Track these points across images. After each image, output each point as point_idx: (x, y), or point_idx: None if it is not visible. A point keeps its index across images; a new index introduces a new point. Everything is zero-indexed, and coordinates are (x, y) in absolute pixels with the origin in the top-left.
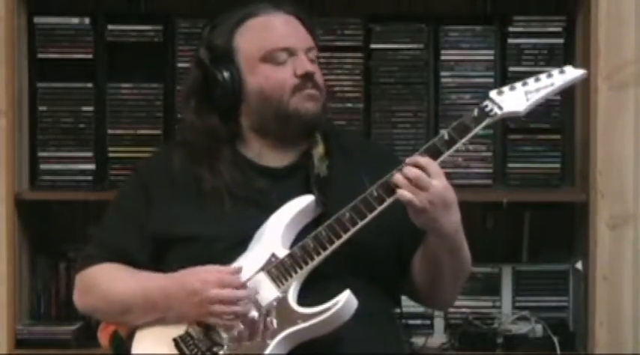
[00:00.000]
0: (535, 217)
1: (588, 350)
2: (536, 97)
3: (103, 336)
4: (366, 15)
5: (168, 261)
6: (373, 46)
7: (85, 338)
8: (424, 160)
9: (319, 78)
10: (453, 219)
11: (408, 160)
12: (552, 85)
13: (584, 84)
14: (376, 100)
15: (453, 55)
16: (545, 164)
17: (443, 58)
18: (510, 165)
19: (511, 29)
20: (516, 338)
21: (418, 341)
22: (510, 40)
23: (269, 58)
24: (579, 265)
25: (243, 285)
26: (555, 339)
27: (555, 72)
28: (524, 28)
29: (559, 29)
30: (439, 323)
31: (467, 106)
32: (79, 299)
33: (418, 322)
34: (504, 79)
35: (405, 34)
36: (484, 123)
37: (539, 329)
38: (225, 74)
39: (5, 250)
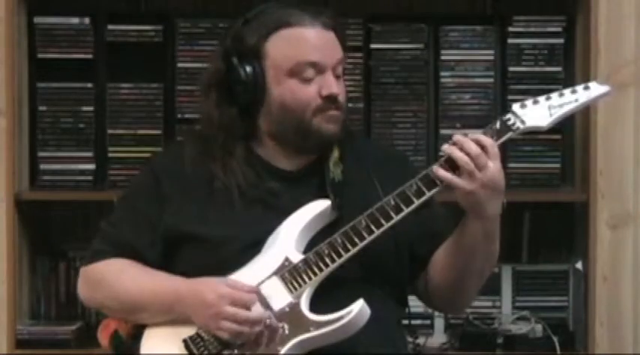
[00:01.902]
0: (535, 217)
1: (588, 350)
2: (559, 113)
3: (103, 336)
4: (366, 15)
5: (178, 260)
6: (373, 46)
7: (85, 338)
8: (488, 140)
9: (342, 97)
10: (497, 205)
11: (470, 137)
12: (576, 101)
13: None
14: (376, 100)
15: (453, 55)
16: (545, 164)
17: (443, 58)
18: (510, 165)
19: (511, 29)
20: (516, 338)
21: (418, 341)
22: (510, 40)
23: (296, 71)
24: (579, 265)
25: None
26: (555, 339)
27: (580, 88)
28: (524, 28)
29: (559, 29)
30: (439, 323)
31: (467, 106)
32: (85, 293)
33: (418, 322)
34: (504, 79)
35: (405, 34)
36: (505, 138)
37: (539, 329)
38: (250, 74)
39: (5, 250)
